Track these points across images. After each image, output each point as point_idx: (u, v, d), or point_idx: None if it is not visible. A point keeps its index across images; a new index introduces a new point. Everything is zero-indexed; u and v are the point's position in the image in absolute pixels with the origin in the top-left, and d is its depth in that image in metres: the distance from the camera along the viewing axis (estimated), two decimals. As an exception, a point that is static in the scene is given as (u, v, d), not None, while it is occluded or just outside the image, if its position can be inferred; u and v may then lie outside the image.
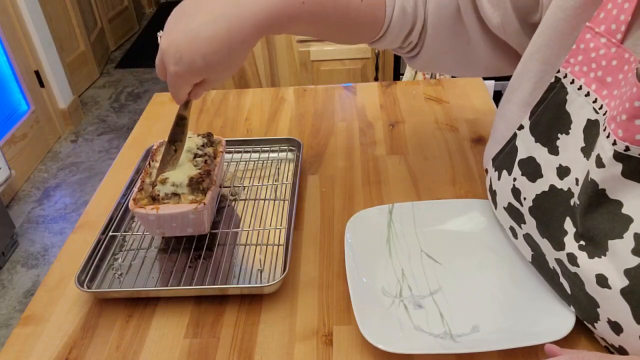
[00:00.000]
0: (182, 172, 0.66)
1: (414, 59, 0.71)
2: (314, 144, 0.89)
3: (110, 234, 0.71)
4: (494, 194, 0.62)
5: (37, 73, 2.50)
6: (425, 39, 0.67)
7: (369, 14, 0.63)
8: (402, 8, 0.64)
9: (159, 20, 4.02)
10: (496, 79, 1.68)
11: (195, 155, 0.69)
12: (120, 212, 0.74)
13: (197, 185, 0.65)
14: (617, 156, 0.44)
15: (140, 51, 3.56)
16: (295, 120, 0.96)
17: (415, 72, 1.68)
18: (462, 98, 0.99)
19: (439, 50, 0.69)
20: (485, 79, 1.03)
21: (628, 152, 0.43)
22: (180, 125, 0.66)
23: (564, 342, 0.53)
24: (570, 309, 0.54)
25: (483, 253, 0.65)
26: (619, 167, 0.44)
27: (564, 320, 0.54)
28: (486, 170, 0.66)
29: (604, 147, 0.45)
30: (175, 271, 0.66)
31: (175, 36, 0.54)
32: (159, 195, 0.64)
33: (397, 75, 2.11)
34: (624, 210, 0.46)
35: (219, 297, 0.63)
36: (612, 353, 0.52)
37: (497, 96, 1.79)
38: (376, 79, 2.11)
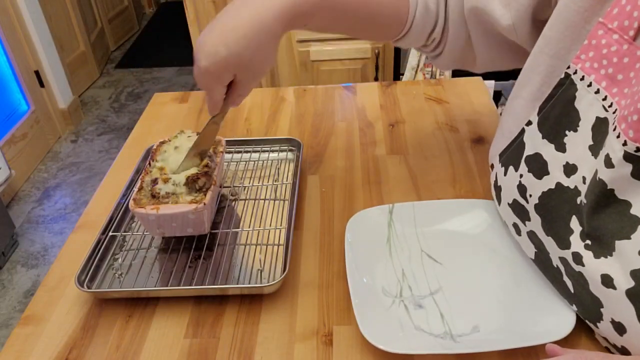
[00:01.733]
0: (184, 171, 0.66)
1: (438, 58, 0.72)
2: (314, 144, 0.89)
3: (110, 234, 0.71)
4: (499, 189, 0.62)
5: (37, 73, 2.50)
6: (448, 37, 0.67)
7: (391, 9, 0.64)
8: (425, 5, 0.64)
9: (159, 20, 4.02)
10: (496, 79, 1.68)
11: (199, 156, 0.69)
12: (120, 212, 0.74)
13: (193, 184, 0.65)
14: (628, 157, 0.43)
15: (140, 51, 3.56)
16: (295, 120, 0.96)
17: (415, 72, 1.68)
18: (462, 98, 0.99)
19: (458, 49, 0.68)
20: (485, 78, 1.03)
21: (639, 153, 0.43)
22: (210, 132, 0.67)
23: (565, 342, 0.53)
24: (572, 309, 0.54)
25: (483, 253, 0.65)
26: (628, 167, 0.44)
27: (564, 320, 0.54)
28: (492, 166, 0.66)
29: (614, 148, 0.44)
30: (175, 271, 0.66)
31: (203, 35, 0.56)
32: (159, 193, 0.64)
33: (397, 75, 2.11)
34: (633, 211, 0.45)
35: (219, 297, 0.63)
36: (613, 353, 0.52)
37: (497, 96, 1.79)
38: (376, 79, 2.11)
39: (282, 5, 0.56)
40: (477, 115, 0.94)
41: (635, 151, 0.43)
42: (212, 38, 0.56)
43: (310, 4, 0.58)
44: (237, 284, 0.64)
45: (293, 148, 0.86)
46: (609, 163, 0.45)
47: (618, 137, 0.44)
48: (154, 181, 0.66)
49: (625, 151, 0.43)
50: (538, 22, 0.59)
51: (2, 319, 1.74)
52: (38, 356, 0.58)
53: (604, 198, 0.46)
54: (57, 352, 0.58)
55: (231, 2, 0.57)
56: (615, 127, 0.45)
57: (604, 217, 0.47)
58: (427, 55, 0.73)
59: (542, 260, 0.57)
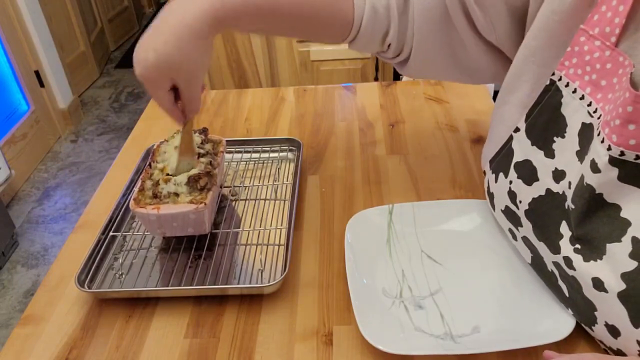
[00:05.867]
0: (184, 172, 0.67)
1: (404, 66, 0.70)
2: (314, 144, 0.89)
3: (111, 234, 0.71)
4: (491, 196, 0.62)
5: (37, 73, 2.50)
6: (414, 44, 0.66)
7: (330, 11, 0.62)
8: (372, 7, 0.63)
9: (159, 20, 4.01)
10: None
11: (199, 155, 0.69)
12: (121, 212, 0.74)
13: (194, 183, 0.65)
14: (613, 161, 0.44)
15: (140, 51, 3.55)
16: (295, 120, 0.96)
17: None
18: (462, 98, 0.99)
19: (430, 56, 0.67)
20: (485, 79, 1.03)
21: (623, 157, 0.43)
22: (186, 141, 0.67)
23: (565, 344, 0.53)
24: (569, 311, 0.54)
25: (483, 253, 0.65)
26: (615, 171, 0.44)
27: (564, 321, 0.54)
28: (484, 172, 0.66)
29: (599, 152, 0.45)
30: (175, 271, 0.66)
31: (139, 42, 0.57)
32: (161, 192, 0.64)
33: (397, 75, 2.11)
34: (623, 214, 0.45)
35: (219, 297, 0.63)
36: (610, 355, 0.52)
37: (497, 96, 1.79)
38: (376, 79, 2.11)
39: (206, 6, 0.56)
40: (477, 115, 0.94)
41: (620, 155, 0.43)
42: (142, 43, 0.56)
43: (235, 3, 0.57)
44: (238, 284, 0.64)
45: (293, 148, 0.86)
46: (595, 168, 0.45)
47: (602, 141, 0.44)
48: (157, 182, 0.66)
49: (610, 155, 0.44)
50: (517, 19, 0.58)
51: (2, 319, 1.74)
52: (38, 356, 0.58)
53: (594, 202, 0.47)
54: (57, 352, 0.58)
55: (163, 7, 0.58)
56: (600, 132, 0.45)
57: (595, 220, 0.47)
58: (389, 62, 0.71)
59: (537, 264, 0.57)
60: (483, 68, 0.67)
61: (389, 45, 0.67)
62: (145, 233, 0.72)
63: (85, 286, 0.63)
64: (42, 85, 2.54)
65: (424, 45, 0.66)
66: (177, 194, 0.65)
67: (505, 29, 0.59)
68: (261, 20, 0.61)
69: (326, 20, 0.64)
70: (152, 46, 0.55)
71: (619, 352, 0.49)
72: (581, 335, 0.55)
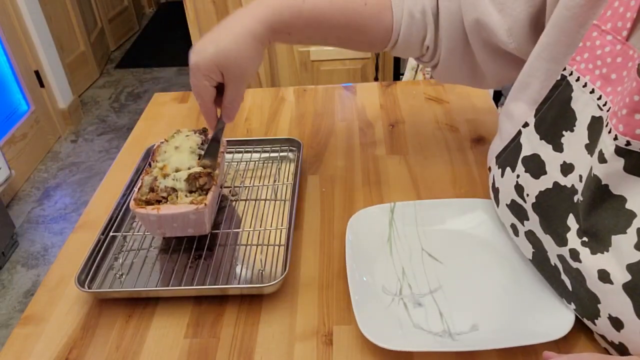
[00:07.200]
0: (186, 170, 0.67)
1: (435, 70, 0.74)
2: (314, 144, 0.89)
3: (111, 234, 0.71)
4: (496, 191, 0.62)
5: (37, 73, 2.50)
6: (442, 49, 0.69)
7: (374, 19, 0.67)
8: (409, 13, 0.67)
9: (159, 20, 4.02)
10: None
11: (200, 156, 0.69)
12: (121, 212, 0.74)
13: (194, 181, 0.65)
14: (619, 151, 0.44)
15: (140, 51, 3.56)
16: (295, 120, 0.96)
17: (415, 72, 1.68)
18: (462, 98, 0.99)
19: (454, 61, 0.70)
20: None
21: (629, 147, 0.43)
22: (212, 148, 0.70)
23: (564, 342, 0.53)
24: (570, 308, 0.54)
25: (483, 252, 0.65)
26: (620, 162, 0.44)
27: (563, 319, 0.54)
28: (489, 168, 0.66)
29: (606, 143, 0.45)
30: (175, 271, 0.66)
31: (195, 45, 0.64)
32: (158, 187, 0.64)
33: (397, 75, 2.11)
34: (628, 206, 0.46)
35: (219, 297, 0.63)
36: (610, 354, 0.52)
37: (497, 96, 1.79)
38: (376, 79, 2.11)
39: (264, 12, 0.64)
40: (477, 115, 0.94)
41: (626, 145, 0.43)
42: (203, 41, 0.63)
43: (288, 11, 0.64)
44: (238, 284, 0.64)
45: (293, 148, 0.86)
46: (602, 158, 0.46)
47: (610, 132, 0.45)
48: (155, 179, 0.66)
49: (616, 145, 0.44)
50: (537, 28, 0.60)
51: (2, 319, 1.74)
52: (38, 356, 0.58)
53: (600, 194, 0.47)
54: (57, 352, 0.58)
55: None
56: (607, 122, 0.45)
57: (600, 212, 0.48)
58: (426, 66, 0.76)
59: (539, 259, 0.57)
60: (501, 76, 0.71)
61: (427, 48, 0.71)
62: (146, 233, 0.72)
63: (85, 286, 0.63)
64: (42, 85, 2.54)
65: (450, 51, 0.69)
66: (174, 189, 0.65)
67: (524, 35, 0.61)
68: (311, 30, 0.67)
69: (370, 29, 0.69)
70: (213, 42, 0.62)
71: (620, 346, 0.49)
72: (581, 334, 0.55)
